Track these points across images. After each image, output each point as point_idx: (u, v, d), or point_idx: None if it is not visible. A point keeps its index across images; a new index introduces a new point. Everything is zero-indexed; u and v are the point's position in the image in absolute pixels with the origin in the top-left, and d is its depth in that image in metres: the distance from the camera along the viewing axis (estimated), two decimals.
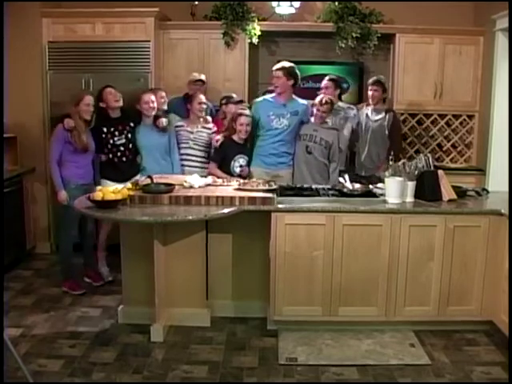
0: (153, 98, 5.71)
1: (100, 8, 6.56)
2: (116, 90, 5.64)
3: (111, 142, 5.63)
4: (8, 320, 4.84)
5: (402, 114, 7.20)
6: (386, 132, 6.11)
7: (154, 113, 5.72)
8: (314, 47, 7.34)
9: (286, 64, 5.69)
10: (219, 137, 5.76)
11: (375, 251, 4.59)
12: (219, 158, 5.71)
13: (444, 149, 7.45)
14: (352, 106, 6.41)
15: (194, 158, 5.87)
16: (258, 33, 6.86)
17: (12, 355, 3.70)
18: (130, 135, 5.69)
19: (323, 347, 4.46)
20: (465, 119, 7.26)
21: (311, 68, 7.16)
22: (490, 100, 6.76)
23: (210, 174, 5.52)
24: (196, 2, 7.10)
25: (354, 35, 6.82)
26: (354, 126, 6.16)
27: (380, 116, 6.14)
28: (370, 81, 6.22)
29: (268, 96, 5.88)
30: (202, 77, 6.45)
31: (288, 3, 6.83)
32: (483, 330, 4.76)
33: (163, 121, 5.70)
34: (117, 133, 5.64)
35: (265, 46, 7.31)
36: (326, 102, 5.72)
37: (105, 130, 5.62)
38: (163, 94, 6.07)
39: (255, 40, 6.89)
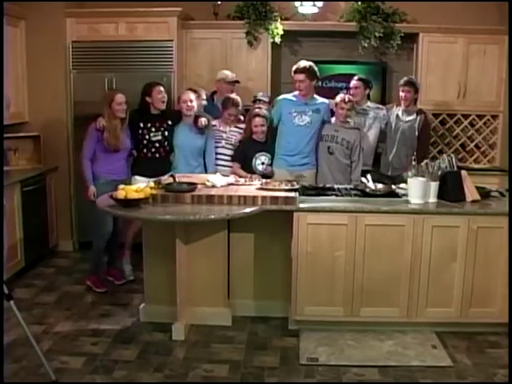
0: (192, 97, 5.65)
1: (123, 8, 6.58)
2: (165, 92, 5.62)
3: (147, 137, 5.60)
4: (31, 317, 4.89)
5: None
6: (416, 133, 5.98)
7: (191, 113, 5.66)
8: (337, 47, 7.31)
9: (306, 64, 5.63)
10: (239, 137, 5.83)
11: (397, 252, 4.57)
12: (241, 157, 5.75)
13: (467, 149, 7.38)
14: (381, 106, 6.29)
15: (226, 158, 5.86)
16: (281, 32, 6.85)
17: (35, 352, 3.74)
18: (166, 133, 5.65)
19: (344, 347, 4.45)
20: (489, 119, 7.20)
21: (334, 68, 7.13)
22: None
23: (232, 173, 5.55)
24: (219, 2, 7.11)
25: (377, 35, 6.79)
26: (382, 126, 6.07)
27: (411, 117, 5.99)
28: (402, 82, 6.02)
29: (289, 95, 5.84)
30: (234, 77, 6.37)
31: (311, 3, 6.79)
32: (506, 333, 4.70)
33: (203, 120, 5.62)
34: (153, 129, 5.61)
35: (287, 45, 7.30)
36: (350, 100, 5.69)
37: (141, 125, 5.59)
38: (204, 95, 6.05)
39: (278, 39, 6.88)
